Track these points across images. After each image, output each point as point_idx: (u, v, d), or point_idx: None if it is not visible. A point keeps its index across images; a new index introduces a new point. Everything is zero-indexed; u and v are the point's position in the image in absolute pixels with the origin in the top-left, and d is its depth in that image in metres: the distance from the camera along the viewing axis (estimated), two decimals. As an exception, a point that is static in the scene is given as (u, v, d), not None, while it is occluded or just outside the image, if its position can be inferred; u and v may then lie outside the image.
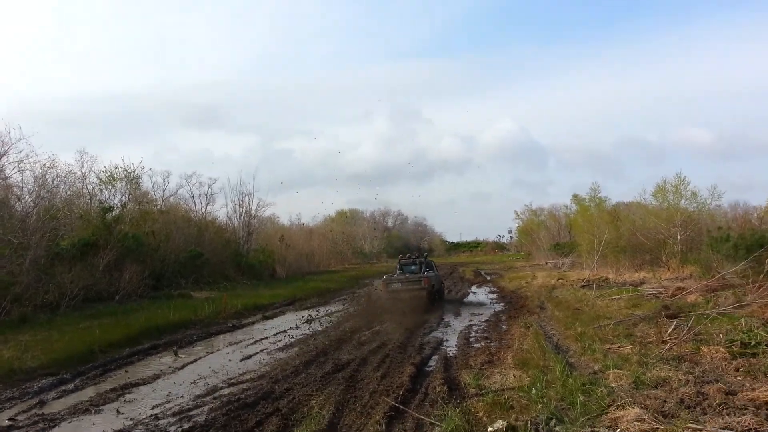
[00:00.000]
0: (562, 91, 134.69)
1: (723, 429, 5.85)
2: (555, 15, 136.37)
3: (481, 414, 7.65)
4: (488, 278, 40.93)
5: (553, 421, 6.82)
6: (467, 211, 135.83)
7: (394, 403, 8.34)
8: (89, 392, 10.32)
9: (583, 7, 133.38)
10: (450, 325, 17.36)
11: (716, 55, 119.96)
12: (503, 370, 10.18)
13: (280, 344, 14.54)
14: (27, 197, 23.10)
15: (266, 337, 15.77)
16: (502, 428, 6.77)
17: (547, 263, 47.99)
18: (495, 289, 31.76)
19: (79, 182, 28.82)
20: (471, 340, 14.44)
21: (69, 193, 27.53)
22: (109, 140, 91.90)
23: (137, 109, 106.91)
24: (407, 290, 20.72)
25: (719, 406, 6.72)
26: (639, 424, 6.21)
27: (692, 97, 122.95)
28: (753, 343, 9.93)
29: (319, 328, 17.20)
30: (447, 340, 14.54)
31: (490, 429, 6.89)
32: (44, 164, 23.92)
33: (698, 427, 5.98)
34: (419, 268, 22.73)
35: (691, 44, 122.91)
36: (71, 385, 10.69)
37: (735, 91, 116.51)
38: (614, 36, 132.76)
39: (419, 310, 19.35)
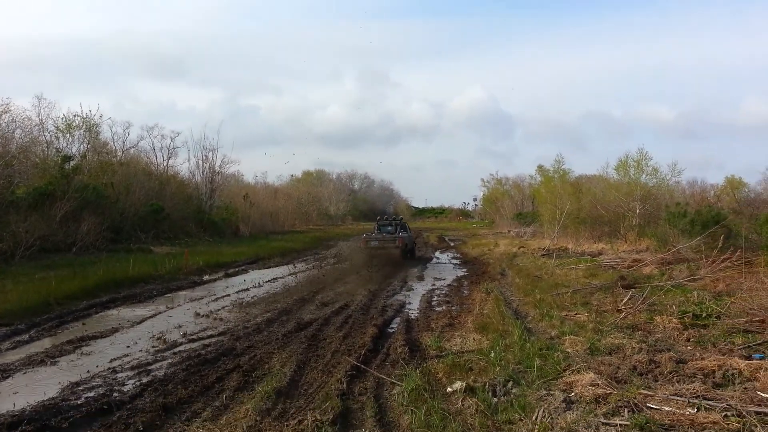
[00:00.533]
0: (531, 62, 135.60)
1: (673, 395, 6.07)
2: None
3: (440, 375, 7.78)
4: (452, 244, 41.36)
5: (510, 383, 6.99)
6: (433, 178, 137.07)
7: (355, 362, 8.40)
8: (45, 344, 10.11)
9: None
10: (413, 289, 17.52)
11: (682, 35, 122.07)
12: (463, 333, 10.34)
13: (242, 302, 14.46)
14: (-21, 142, 22.17)
15: (228, 295, 15.66)
16: (460, 389, 6.90)
17: (509, 231, 48.69)
18: (458, 255, 32.12)
19: (37, 129, 27.82)
20: (433, 303, 14.61)
21: (25, 140, 26.57)
22: (66, 88, 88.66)
23: (98, 57, 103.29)
24: (384, 247, 23.36)
25: (670, 373, 6.97)
26: (593, 388, 6.39)
27: (657, 76, 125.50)
28: (704, 314, 10.30)
29: (282, 288, 17.16)
30: (409, 303, 14.68)
31: (449, 389, 7.03)
32: (-2, 108, 22.95)
33: (649, 392, 6.19)
34: (395, 229, 25.62)
35: (657, 23, 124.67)
36: (26, 336, 10.45)
37: (698, 71, 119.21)
38: (586, 10, 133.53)
39: (393, 265, 21.96)
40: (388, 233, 25.00)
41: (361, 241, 24.94)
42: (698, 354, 7.93)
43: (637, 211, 29.88)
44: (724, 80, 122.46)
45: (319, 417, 6.14)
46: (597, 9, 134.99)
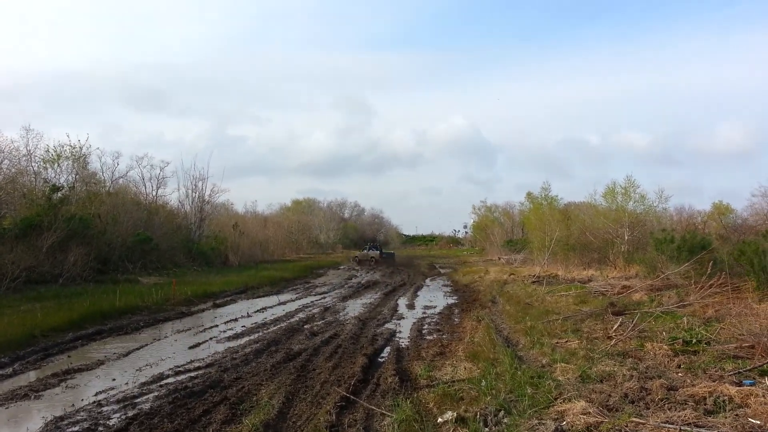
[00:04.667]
0: (509, 91, 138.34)
1: (664, 423, 6.03)
2: (509, 17, 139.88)
3: (431, 405, 7.70)
4: (442, 272, 41.32)
5: (502, 412, 6.92)
6: (420, 205, 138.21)
7: (345, 393, 8.31)
8: (29, 377, 9.93)
9: (536, 11, 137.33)
10: (404, 317, 17.43)
11: (655, 65, 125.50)
12: (454, 362, 10.27)
13: (231, 333, 14.30)
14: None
15: (216, 325, 15.49)
16: (451, 419, 6.83)
17: (500, 259, 48.74)
18: (449, 282, 32.07)
19: (24, 159, 27.69)
20: (424, 332, 14.53)
21: (12, 170, 26.43)
22: (52, 118, 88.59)
23: (84, 89, 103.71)
24: (372, 256, 49.37)
25: (661, 400, 6.93)
26: (584, 417, 6.34)
27: (632, 104, 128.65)
28: (694, 341, 10.30)
29: (271, 317, 17.00)
30: (400, 332, 14.59)
31: (439, 420, 6.95)
32: (-16, 139, 22.87)
33: (641, 420, 6.14)
34: (375, 247, 52.81)
35: (632, 55, 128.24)
36: (9, 370, 10.26)
37: (671, 98, 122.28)
38: (561, 43, 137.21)
39: (376, 262, 47.63)
40: (374, 249, 52.49)
41: (362, 255, 50.91)
42: (689, 380, 7.91)
43: (626, 237, 30.04)
44: (697, 108, 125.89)
45: (307, 450, 6.04)
46: (573, 41, 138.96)
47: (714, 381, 7.74)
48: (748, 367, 8.38)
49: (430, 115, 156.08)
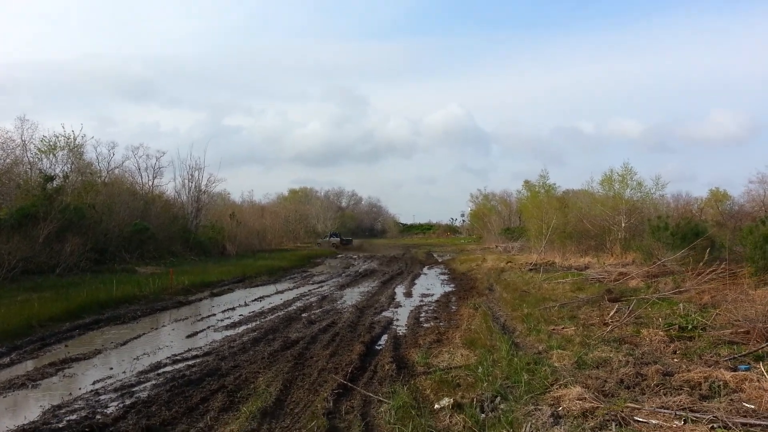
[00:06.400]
0: (504, 80, 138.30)
1: (660, 408, 6.06)
2: (502, 5, 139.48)
3: (428, 392, 7.73)
4: (440, 260, 41.38)
5: (498, 398, 6.95)
6: (416, 194, 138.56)
7: (342, 380, 8.33)
8: (26, 366, 9.94)
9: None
10: (401, 305, 17.46)
11: (648, 53, 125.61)
12: (451, 349, 10.30)
13: (228, 321, 14.33)
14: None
15: (214, 314, 15.51)
16: (448, 405, 6.85)
17: (497, 247, 48.79)
18: (446, 270, 32.13)
19: (19, 150, 27.59)
20: (421, 319, 14.56)
21: (7, 161, 26.34)
22: (45, 111, 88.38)
23: (79, 80, 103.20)
24: (334, 242, 61.56)
25: (657, 386, 6.96)
26: (580, 402, 6.37)
27: (626, 92, 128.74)
28: (690, 327, 10.33)
29: (269, 306, 17.02)
30: (397, 320, 14.62)
31: (436, 406, 6.97)
32: (-21, 130, 22.75)
33: (636, 405, 6.17)
34: (336, 236, 64.42)
35: (625, 44, 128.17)
36: (7, 360, 10.26)
37: (665, 86, 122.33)
38: (553, 29, 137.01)
39: (337, 246, 59.67)
40: (335, 236, 63.52)
41: (324, 242, 61.84)
42: (684, 366, 7.94)
43: (623, 224, 30.08)
44: (690, 95, 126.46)
45: (305, 437, 6.06)
46: (566, 29, 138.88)
47: (709, 366, 7.78)
48: (743, 353, 8.43)
49: (424, 105, 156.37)
